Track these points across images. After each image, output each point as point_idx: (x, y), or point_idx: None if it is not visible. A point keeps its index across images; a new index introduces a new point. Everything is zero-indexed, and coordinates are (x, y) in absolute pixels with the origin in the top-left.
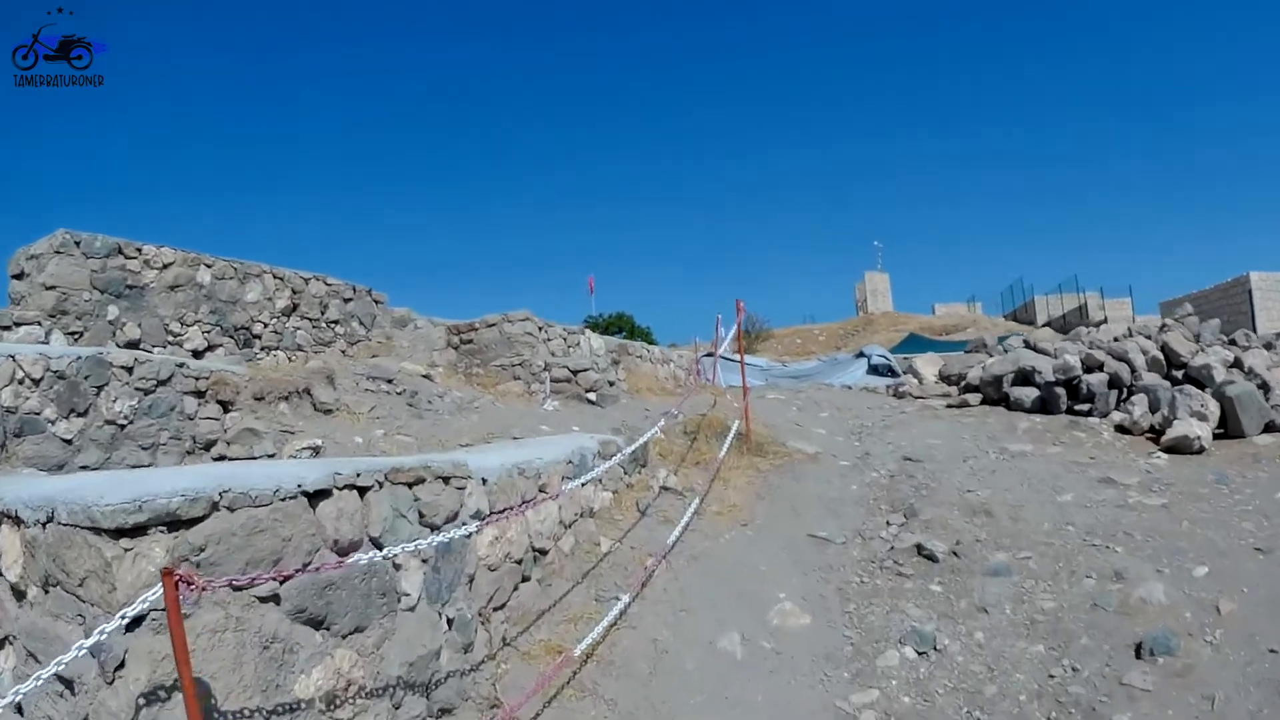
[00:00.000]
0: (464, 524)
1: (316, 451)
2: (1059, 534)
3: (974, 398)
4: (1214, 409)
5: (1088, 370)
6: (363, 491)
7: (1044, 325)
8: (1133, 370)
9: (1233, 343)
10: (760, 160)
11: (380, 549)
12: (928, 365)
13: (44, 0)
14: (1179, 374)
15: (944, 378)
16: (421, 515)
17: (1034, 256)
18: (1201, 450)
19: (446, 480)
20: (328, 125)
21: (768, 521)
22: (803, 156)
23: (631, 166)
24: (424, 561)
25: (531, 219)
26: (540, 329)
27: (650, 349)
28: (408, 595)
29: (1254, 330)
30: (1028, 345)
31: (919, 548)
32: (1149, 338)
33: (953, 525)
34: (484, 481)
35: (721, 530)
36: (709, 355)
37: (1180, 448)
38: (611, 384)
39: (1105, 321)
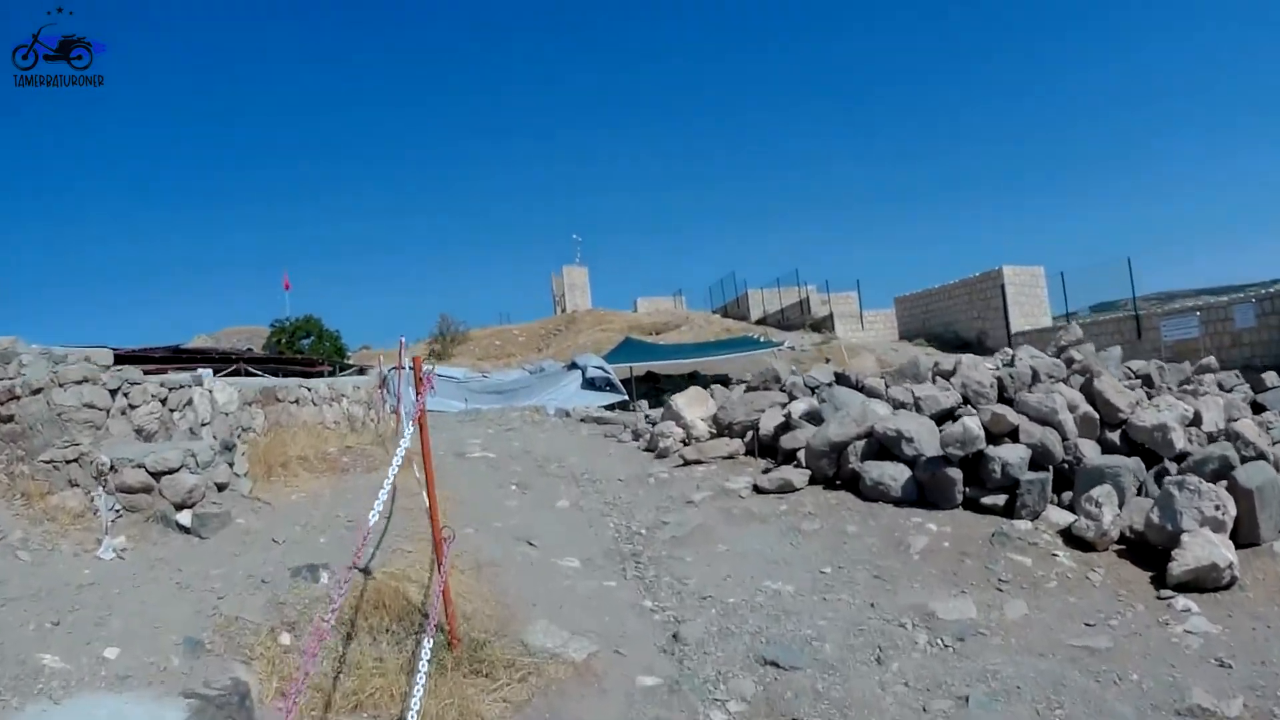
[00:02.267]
0: None
1: None
2: None
3: (798, 475)
4: (1231, 510)
5: (993, 439)
6: None
7: (759, 320)
8: (1063, 436)
9: (1183, 386)
10: (448, 152)
11: None
12: (693, 405)
13: (44, 0)
14: (1113, 436)
15: (722, 426)
16: None
17: (743, 250)
18: (1231, 583)
19: None
20: None
21: None
22: (496, 146)
23: (308, 157)
24: None
25: (209, 218)
26: (117, 389)
27: (312, 386)
28: None
29: (1008, 328)
30: (850, 383)
31: None
32: (1054, 377)
33: None
34: None
35: None
36: (396, 368)
37: (1203, 582)
38: (223, 486)
39: (830, 316)
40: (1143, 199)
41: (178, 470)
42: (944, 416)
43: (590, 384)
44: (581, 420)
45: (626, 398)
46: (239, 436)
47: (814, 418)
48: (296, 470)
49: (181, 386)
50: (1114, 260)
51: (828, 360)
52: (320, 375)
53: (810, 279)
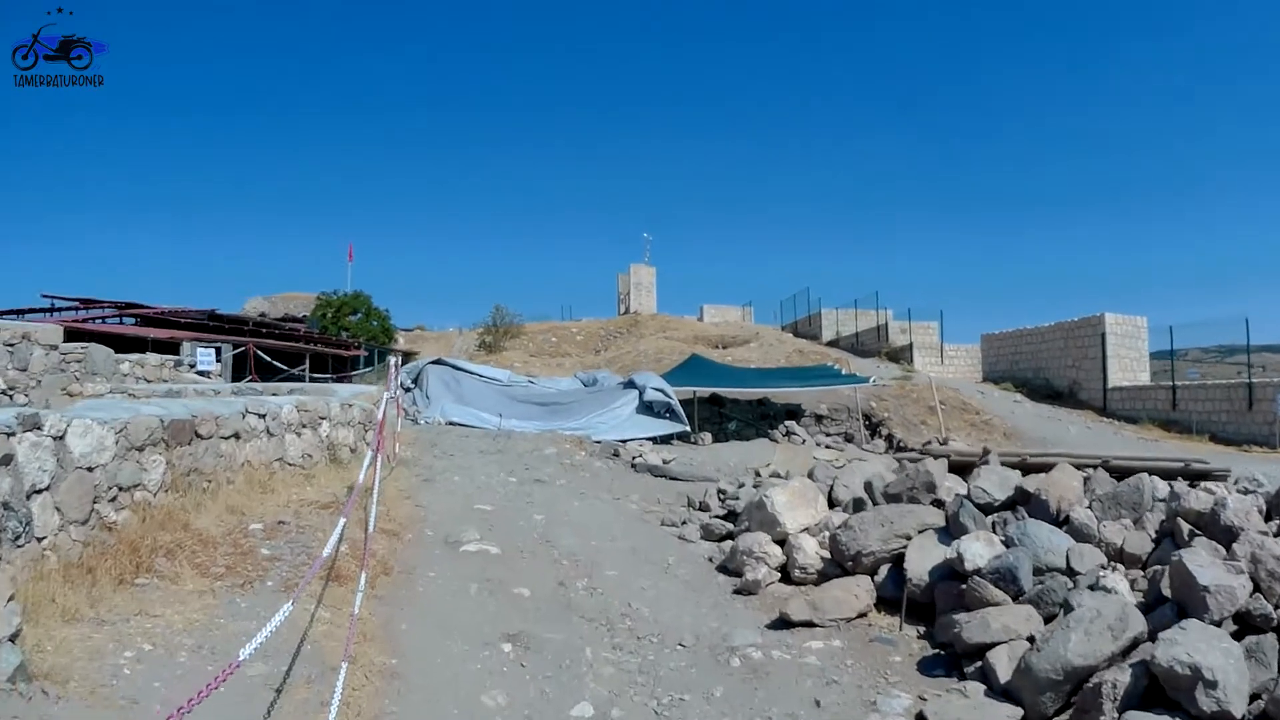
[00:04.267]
0: None
1: None
2: None
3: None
4: None
5: None
6: None
7: (831, 342)
8: None
9: None
10: (531, 136)
11: None
12: (796, 508)
13: (44, 0)
14: None
15: (844, 555)
16: None
17: (818, 267)
18: None
19: None
20: None
21: None
22: (572, 143)
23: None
24: None
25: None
26: None
27: (267, 411)
28: None
29: (1104, 380)
30: (1046, 512)
31: None
32: None
33: None
34: None
35: None
36: (436, 363)
37: None
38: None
39: (910, 346)
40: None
41: None
42: (1242, 623)
43: (648, 408)
44: (633, 466)
45: (687, 428)
46: (113, 503)
47: (1005, 576)
48: (182, 566)
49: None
50: (1228, 317)
51: (919, 399)
52: (352, 360)
53: (888, 303)
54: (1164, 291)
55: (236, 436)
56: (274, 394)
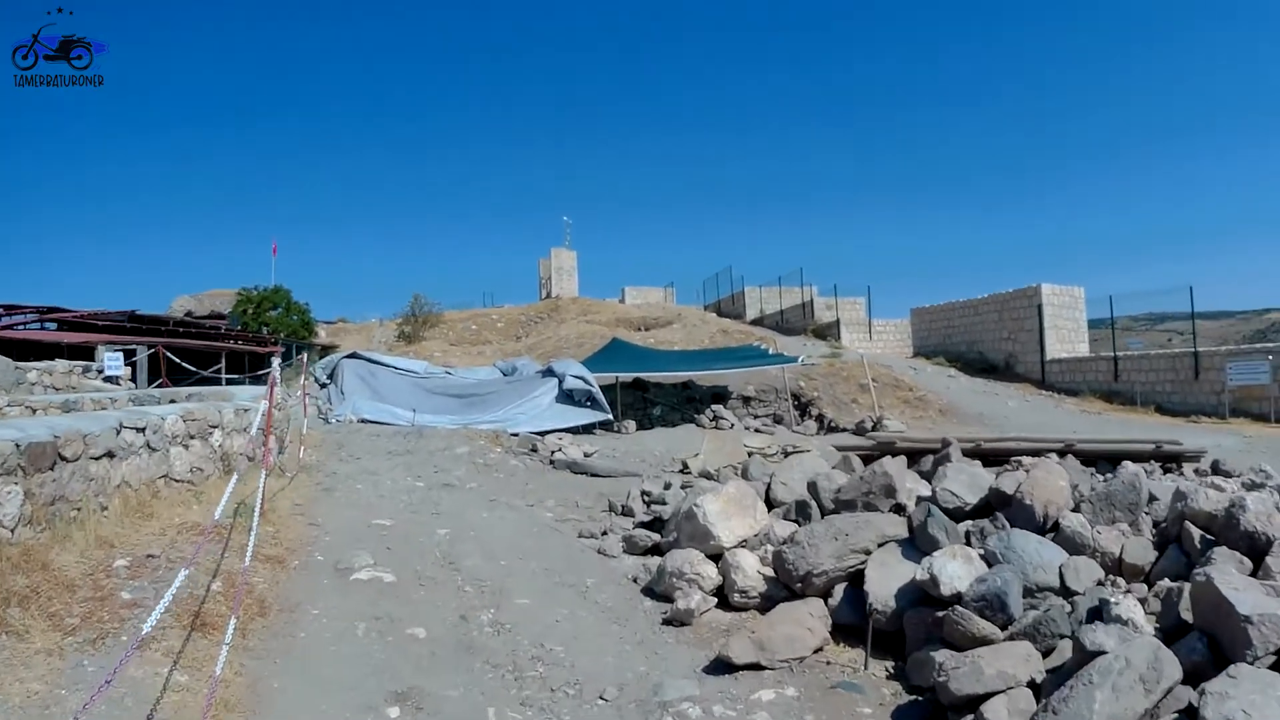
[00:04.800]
0: None
1: None
2: None
3: None
4: None
5: None
6: None
7: (756, 320)
8: None
9: None
10: (447, 128)
11: None
12: (731, 516)
13: (44, 0)
14: None
15: (791, 576)
16: None
17: (739, 244)
18: None
19: None
20: None
21: None
22: (493, 123)
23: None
24: None
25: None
26: None
27: (147, 424)
28: None
29: (1042, 353)
30: (1031, 517)
31: None
32: None
33: None
34: None
35: None
36: (352, 356)
37: None
38: None
39: (837, 323)
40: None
41: None
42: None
43: (568, 396)
44: (551, 463)
45: (609, 416)
46: None
47: (993, 604)
48: (34, 618)
49: None
50: (1172, 286)
51: (849, 378)
52: (268, 358)
53: (813, 280)
54: (1092, 261)
55: (110, 455)
56: (172, 400)
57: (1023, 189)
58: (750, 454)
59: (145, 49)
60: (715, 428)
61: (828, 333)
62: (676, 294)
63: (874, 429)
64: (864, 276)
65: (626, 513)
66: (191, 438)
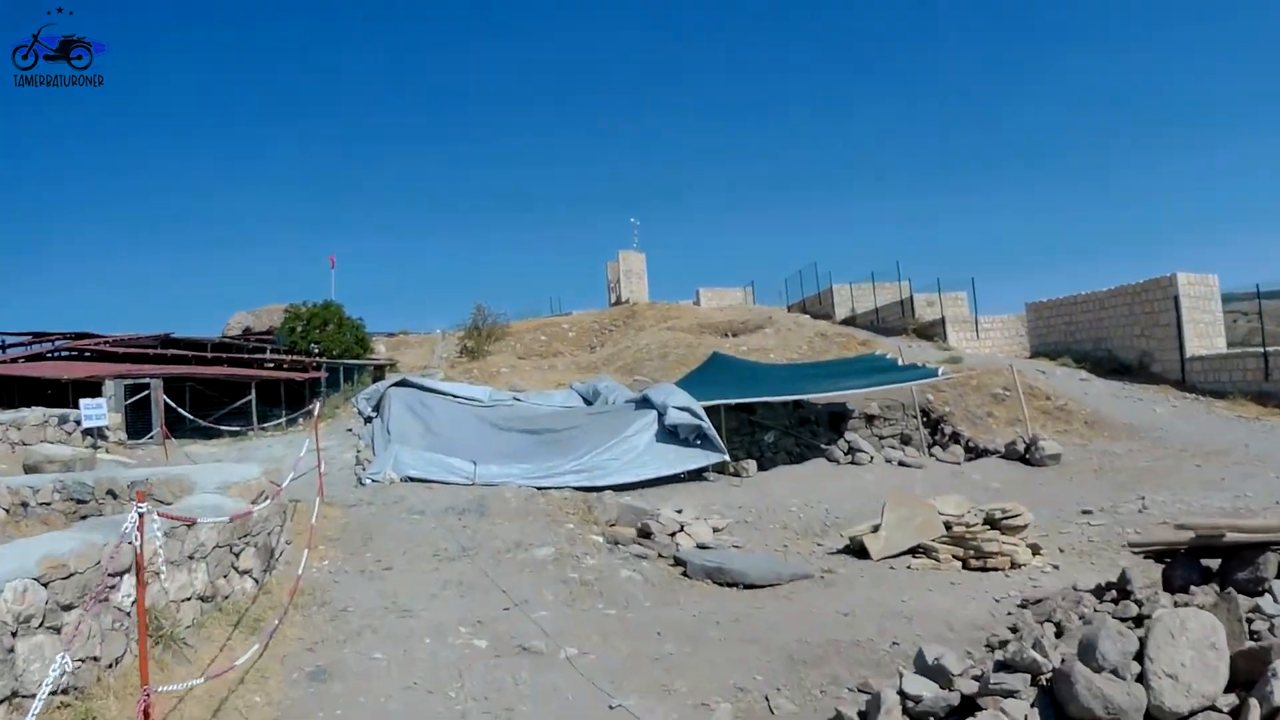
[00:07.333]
0: None
1: None
2: None
3: None
4: None
5: None
6: None
7: (846, 320)
8: None
9: None
10: (505, 130)
11: None
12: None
13: (44, 0)
14: None
15: None
16: None
17: (820, 239)
18: None
19: None
20: None
21: None
22: (549, 134)
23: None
24: None
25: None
26: None
27: None
28: None
29: (1181, 351)
30: None
31: None
32: None
33: None
34: None
35: None
36: (400, 384)
37: None
38: None
39: (942, 321)
40: None
41: None
42: None
43: (672, 433)
44: (681, 567)
45: (725, 457)
46: None
47: None
48: None
49: None
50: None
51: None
52: (311, 384)
53: (914, 276)
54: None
55: None
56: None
57: (1108, 165)
58: (949, 525)
59: (173, 52)
60: (852, 462)
61: (931, 332)
62: (755, 294)
63: (1027, 452)
64: (955, 269)
65: None
66: (67, 609)
